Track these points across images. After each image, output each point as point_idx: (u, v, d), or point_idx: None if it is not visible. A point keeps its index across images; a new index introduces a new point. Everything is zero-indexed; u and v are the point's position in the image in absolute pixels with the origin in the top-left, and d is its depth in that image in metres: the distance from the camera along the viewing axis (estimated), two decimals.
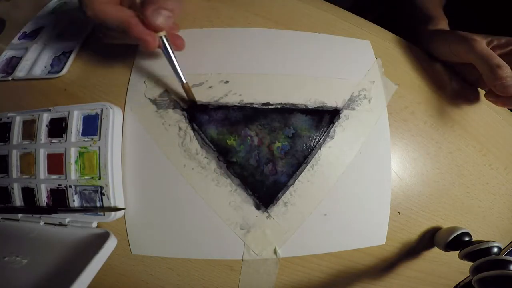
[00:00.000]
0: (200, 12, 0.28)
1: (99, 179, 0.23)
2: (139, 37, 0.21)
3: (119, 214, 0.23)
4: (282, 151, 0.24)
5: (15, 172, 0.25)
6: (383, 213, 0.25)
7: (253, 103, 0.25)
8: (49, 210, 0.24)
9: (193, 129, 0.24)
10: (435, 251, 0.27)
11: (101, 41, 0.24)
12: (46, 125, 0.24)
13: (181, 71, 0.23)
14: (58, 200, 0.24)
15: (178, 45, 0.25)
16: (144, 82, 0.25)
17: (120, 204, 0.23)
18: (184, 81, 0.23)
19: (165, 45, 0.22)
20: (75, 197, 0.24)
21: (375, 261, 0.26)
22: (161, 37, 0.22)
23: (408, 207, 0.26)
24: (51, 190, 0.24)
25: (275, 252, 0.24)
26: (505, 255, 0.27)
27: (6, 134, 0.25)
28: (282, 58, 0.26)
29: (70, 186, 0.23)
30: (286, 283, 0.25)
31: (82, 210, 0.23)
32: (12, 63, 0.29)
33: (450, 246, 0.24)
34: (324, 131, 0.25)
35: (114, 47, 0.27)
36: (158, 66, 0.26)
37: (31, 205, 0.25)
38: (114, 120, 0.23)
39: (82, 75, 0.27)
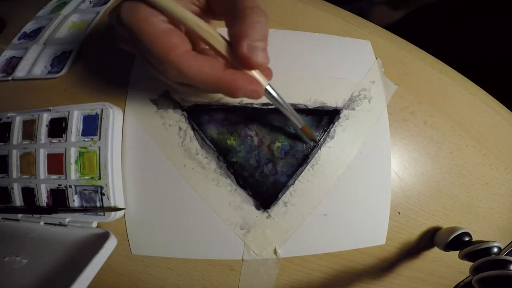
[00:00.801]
0: None
1: (99, 179, 0.23)
2: (248, 90, 0.17)
3: (119, 214, 0.23)
4: (282, 151, 0.24)
5: (15, 172, 0.25)
6: (383, 213, 0.25)
7: (253, 103, 0.25)
8: (49, 210, 0.24)
9: (193, 129, 0.24)
10: (435, 251, 0.27)
11: (102, 41, 0.24)
12: (46, 125, 0.24)
13: (296, 114, 0.21)
14: (58, 200, 0.24)
15: (268, 74, 0.20)
16: (144, 82, 0.25)
17: (120, 204, 0.23)
18: (302, 124, 0.22)
19: (271, 95, 0.19)
20: (75, 197, 0.24)
21: (375, 261, 0.26)
22: (266, 89, 0.19)
23: (408, 207, 0.26)
24: (51, 190, 0.24)
25: (275, 252, 0.24)
26: (505, 255, 0.27)
27: (6, 134, 0.25)
28: (282, 58, 0.26)
29: (70, 186, 0.23)
30: (286, 283, 0.25)
31: (82, 210, 0.23)
32: (12, 63, 0.29)
33: (450, 246, 0.24)
34: (324, 131, 0.25)
35: (114, 47, 0.26)
36: None
37: (31, 205, 0.25)
38: (114, 120, 0.23)
39: (82, 75, 0.27)
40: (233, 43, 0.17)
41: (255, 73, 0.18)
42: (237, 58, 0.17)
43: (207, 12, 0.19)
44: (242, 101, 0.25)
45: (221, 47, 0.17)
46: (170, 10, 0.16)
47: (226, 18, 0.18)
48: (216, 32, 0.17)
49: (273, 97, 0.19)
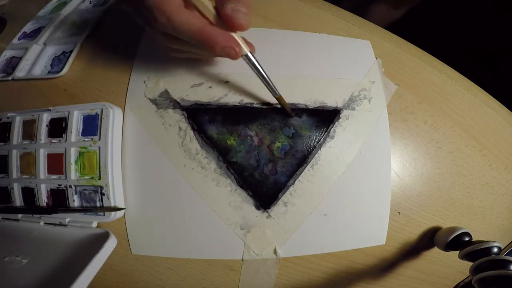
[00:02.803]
0: None
1: (99, 179, 0.23)
2: (224, 45, 0.19)
3: (119, 214, 0.23)
4: (282, 151, 0.24)
5: (15, 172, 0.25)
6: (383, 213, 0.25)
7: (253, 103, 0.25)
8: (49, 210, 0.24)
9: (193, 129, 0.24)
10: (435, 251, 0.27)
11: (102, 41, 0.24)
12: (46, 125, 0.24)
13: (273, 84, 0.22)
14: (58, 200, 0.24)
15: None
16: (144, 82, 0.25)
17: (120, 204, 0.23)
18: (278, 94, 0.22)
19: (252, 62, 0.20)
20: (75, 197, 0.24)
21: (375, 261, 0.26)
22: (246, 55, 0.20)
23: (408, 207, 0.26)
24: (51, 190, 0.24)
25: (275, 252, 0.24)
26: (505, 255, 0.27)
27: (6, 134, 0.25)
28: (282, 58, 0.26)
29: (70, 186, 0.23)
30: (286, 283, 0.25)
31: (82, 210, 0.23)
32: (12, 63, 0.29)
33: (450, 246, 0.24)
34: (324, 131, 0.25)
35: (114, 47, 0.27)
36: (158, 66, 0.26)
37: (31, 205, 0.24)
38: (114, 120, 0.23)
39: (82, 75, 0.27)
40: (218, 5, 0.18)
41: (235, 36, 0.19)
42: (221, 18, 0.18)
43: None
44: (242, 100, 0.25)
45: (207, 11, 0.19)
46: None
47: None
48: None
49: (252, 63, 0.21)
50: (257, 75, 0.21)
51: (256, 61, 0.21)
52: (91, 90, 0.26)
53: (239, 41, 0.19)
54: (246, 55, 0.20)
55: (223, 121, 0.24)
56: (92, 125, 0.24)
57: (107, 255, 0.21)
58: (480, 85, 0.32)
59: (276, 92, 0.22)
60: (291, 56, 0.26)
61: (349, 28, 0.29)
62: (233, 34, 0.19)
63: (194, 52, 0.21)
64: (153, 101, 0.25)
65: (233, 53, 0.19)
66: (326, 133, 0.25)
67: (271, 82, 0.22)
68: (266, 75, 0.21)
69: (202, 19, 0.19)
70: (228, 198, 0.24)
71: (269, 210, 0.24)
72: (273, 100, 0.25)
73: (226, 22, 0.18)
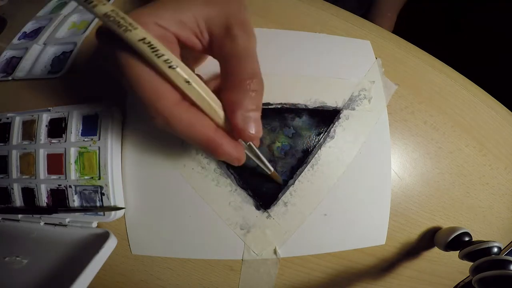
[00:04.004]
0: None
1: (99, 179, 0.23)
2: (232, 157, 0.17)
3: (119, 213, 0.23)
4: (282, 151, 0.24)
5: (15, 173, 0.25)
6: (383, 213, 0.25)
7: None
8: (49, 210, 0.24)
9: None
10: (435, 251, 0.27)
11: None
12: (46, 125, 0.24)
13: (267, 162, 0.21)
14: (58, 200, 0.24)
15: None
16: None
17: (120, 204, 0.23)
18: (271, 171, 0.22)
19: (254, 151, 0.20)
20: (75, 197, 0.24)
21: (375, 261, 0.26)
22: (249, 144, 0.19)
23: (408, 207, 0.26)
24: (51, 190, 0.24)
25: (275, 252, 0.24)
26: (505, 255, 0.27)
27: (6, 134, 0.25)
28: (282, 58, 0.26)
29: (70, 186, 0.23)
30: (286, 283, 0.25)
31: (82, 210, 0.23)
32: (12, 63, 0.29)
33: (450, 246, 0.24)
34: (324, 131, 0.25)
35: None
36: None
37: (31, 205, 0.25)
38: (114, 120, 0.23)
39: (82, 75, 0.27)
40: (227, 110, 0.16)
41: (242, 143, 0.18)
42: (231, 126, 0.16)
43: (208, 50, 0.18)
44: None
45: (215, 116, 0.16)
46: (159, 68, 0.14)
47: (223, 70, 0.17)
48: (210, 95, 0.16)
49: (255, 153, 0.20)
50: (255, 160, 0.21)
51: (256, 149, 0.20)
52: (91, 90, 0.26)
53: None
54: (249, 145, 0.19)
55: None
56: (91, 125, 0.24)
57: (107, 255, 0.21)
58: (480, 85, 0.32)
59: (270, 169, 0.22)
60: (291, 56, 0.26)
61: (349, 28, 0.29)
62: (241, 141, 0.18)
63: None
64: None
65: (236, 163, 0.18)
66: (326, 133, 0.25)
67: (266, 161, 0.21)
68: (264, 159, 0.21)
69: (208, 123, 0.16)
70: (228, 198, 0.24)
71: (269, 210, 0.24)
72: (273, 100, 0.25)
73: (236, 133, 0.16)
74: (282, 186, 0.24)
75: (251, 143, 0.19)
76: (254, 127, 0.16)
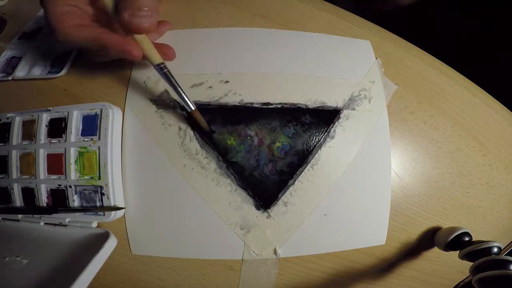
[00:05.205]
0: (200, 12, 0.28)
1: (99, 179, 0.23)
2: (119, 49, 0.20)
3: (119, 213, 0.23)
4: (282, 151, 0.24)
5: (15, 173, 0.25)
6: (383, 213, 0.25)
7: (253, 103, 0.25)
8: (49, 210, 0.24)
9: (193, 129, 0.24)
10: (435, 251, 0.27)
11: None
12: (46, 125, 0.24)
13: (188, 98, 0.21)
14: (58, 200, 0.24)
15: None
16: (144, 82, 0.25)
17: (120, 204, 0.23)
18: (193, 108, 0.22)
19: (165, 74, 0.21)
20: (75, 197, 0.24)
21: (375, 261, 0.26)
22: (158, 66, 0.21)
23: (408, 207, 0.26)
24: (51, 190, 0.24)
25: (275, 252, 0.24)
26: (505, 255, 0.27)
27: (6, 134, 0.25)
28: (282, 58, 0.26)
29: (70, 186, 0.23)
30: (286, 283, 0.25)
31: (82, 210, 0.23)
32: (12, 63, 0.29)
33: (450, 246, 0.24)
34: (324, 131, 0.25)
35: None
36: None
37: (31, 205, 0.24)
38: (114, 120, 0.23)
39: (82, 75, 0.27)
40: (118, 13, 0.20)
41: (139, 38, 0.20)
42: (118, 24, 0.20)
43: None
44: (242, 100, 0.25)
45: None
46: None
47: None
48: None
49: (164, 74, 0.21)
50: (170, 86, 0.21)
51: (170, 73, 0.21)
52: (91, 90, 0.26)
53: (140, 44, 0.21)
54: (158, 65, 0.21)
55: (223, 121, 0.24)
56: (91, 125, 0.24)
57: (107, 255, 0.21)
58: (480, 85, 0.32)
59: (191, 106, 0.22)
60: (291, 56, 0.26)
61: (349, 28, 0.29)
62: (138, 37, 0.20)
63: (109, 56, 0.22)
64: (153, 101, 0.25)
65: (129, 55, 0.20)
66: (326, 133, 0.25)
67: (185, 95, 0.21)
68: (179, 86, 0.21)
69: (98, 30, 0.21)
70: (228, 198, 0.24)
71: (269, 210, 0.24)
72: (273, 100, 0.25)
73: (122, 29, 0.20)
74: (282, 186, 0.24)
75: (161, 65, 0.21)
76: (142, 21, 0.19)
